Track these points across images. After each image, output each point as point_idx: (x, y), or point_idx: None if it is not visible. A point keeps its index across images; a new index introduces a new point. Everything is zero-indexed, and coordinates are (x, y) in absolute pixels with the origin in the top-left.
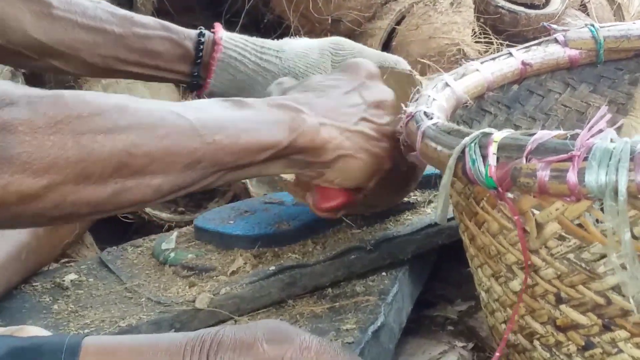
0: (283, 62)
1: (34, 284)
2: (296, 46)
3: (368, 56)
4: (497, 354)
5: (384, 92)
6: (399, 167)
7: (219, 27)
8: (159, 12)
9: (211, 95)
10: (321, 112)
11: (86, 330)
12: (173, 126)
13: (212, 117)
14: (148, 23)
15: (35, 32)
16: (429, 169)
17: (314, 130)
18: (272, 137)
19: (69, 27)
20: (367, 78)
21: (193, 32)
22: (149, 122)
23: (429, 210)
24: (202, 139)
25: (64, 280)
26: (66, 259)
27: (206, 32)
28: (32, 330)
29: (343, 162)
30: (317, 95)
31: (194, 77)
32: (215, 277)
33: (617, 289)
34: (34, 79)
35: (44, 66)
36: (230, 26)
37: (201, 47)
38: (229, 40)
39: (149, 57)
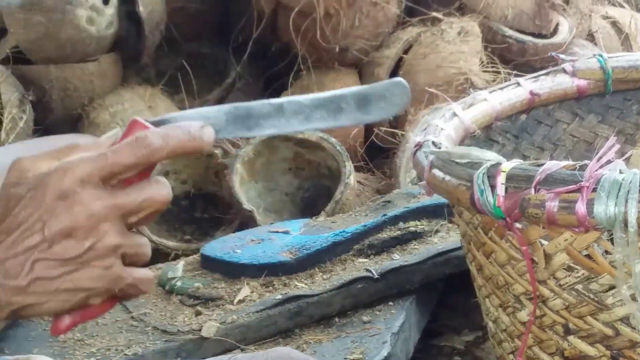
0: None
1: None
2: None
3: None
4: None
5: (74, 216)
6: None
7: None
8: (167, 40)
9: None
10: None
11: (92, 359)
12: None
13: None
14: None
15: None
16: (437, 199)
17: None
18: None
19: None
20: (56, 199)
21: None
22: None
23: (436, 239)
24: None
25: None
26: None
27: None
28: (39, 359)
29: (32, 311)
30: None
31: None
32: (221, 306)
33: (625, 320)
34: (41, 107)
35: None
36: (238, 54)
37: None
38: None
39: None
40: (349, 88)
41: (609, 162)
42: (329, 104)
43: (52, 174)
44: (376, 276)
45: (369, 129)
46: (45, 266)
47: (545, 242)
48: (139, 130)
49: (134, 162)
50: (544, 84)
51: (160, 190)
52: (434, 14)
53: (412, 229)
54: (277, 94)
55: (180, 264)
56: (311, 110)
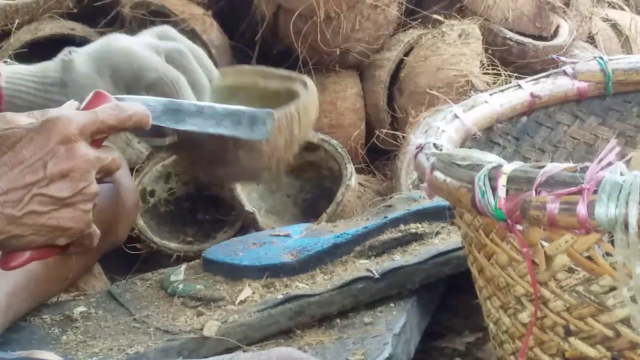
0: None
1: (43, 317)
2: (78, 74)
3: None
4: None
5: (74, 160)
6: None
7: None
8: None
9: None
10: None
11: (94, 359)
12: None
13: None
14: None
15: None
16: (437, 201)
17: None
18: None
19: None
20: (59, 143)
21: None
22: None
23: (437, 241)
24: None
25: (73, 313)
26: (75, 292)
27: None
28: (43, 355)
29: (15, 242)
30: None
31: None
32: (223, 307)
33: (626, 321)
34: None
35: None
36: (239, 57)
37: None
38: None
39: None
40: (245, 107)
41: (609, 164)
42: (233, 115)
43: (56, 121)
44: (377, 276)
45: (370, 131)
46: (40, 201)
47: (546, 244)
48: (103, 101)
49: (115, 125)
50: (545, 86)
51: (117, 155)
52: (435, 16)
53: (413, 230)
54: None
55: (183, 267)
56: (221, 118)
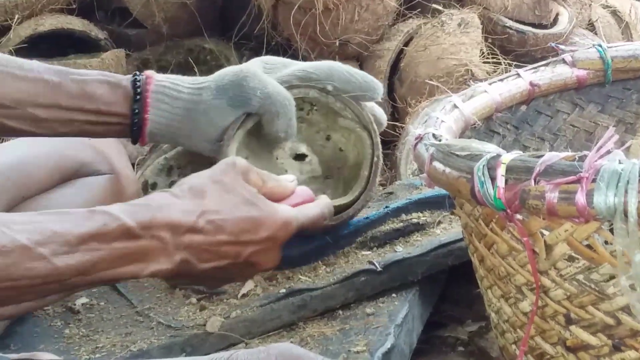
0: (217, 81)
1: (45, 308)
2: (229, 67)
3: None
4: None
5: (268, 260)
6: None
7: (150, 71)
8: (169, 36)
9: (152, 138)
10: (191, 243)
11: (97, 355)
12: (36, 275)
13: (78, 257)
14: (85, 72)
15: None
16: (439, 190)
17: (166, 272)
18: (124, 275)
19: (8, 79)
20: (272, 240)
21: (128, 75)
22: (12, 272)
23: (439, 231)
24: (60, 281)
25: (75, 304)
26: None
27: (140, 74)
28: (44, 356)
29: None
30: (216, 215)
31: (134, 115)
32: (225, 300)
33: (626, 309)
34: None
35: None
36: (239, 49)
37: (138, 83)
38: (161, 75)
39: (88, 101)
40: None
41: (608, 152)
42: None
43: (280, 218)
44: (379, 269)
45: None
46: (215, 274)
47: (546, 233)
48: (309, 198)
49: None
50: (544, 74)
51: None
52: (434, 5)
53: (415, 220)
54: None
55: None
56: None
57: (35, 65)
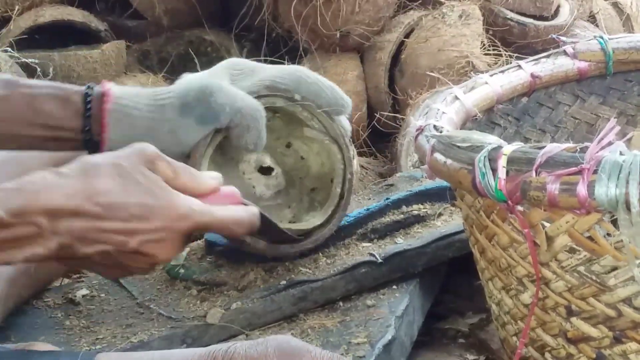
0: (181, 97)
1: (45, 300)
2: (192, 78)
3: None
4: None
5: (166, 252)
6: None
7: (108, 82)
8: (169, 27)
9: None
10: (72, 227)
11: (98, 346)
12: None
13: None
14: (34, 84)
15: None
16: (439, 182)
17: (42, 256)
18: None
19: None
20: (166, 230)
21: (81, 87)
22: None
23: (439, 223)
24: None
25: (75, 296)
26: (77, 274)
27: (95, 86)
28: (43, 347)
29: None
30: (103, 198)
31: (85, 132)
32: (226, 292)
33: (627, 301)
34: None
35: None
36: (239, 41)
37: (89, 99)
38: (118, 89)
39: (36, 116)
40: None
41: (609, 143)
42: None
43: (178, 212)
44: (380, 260)
45: (371, 113)
46: (105, 258)
47: (547, 225)
48: (232, 200)
49: (222, 231)
50: (545, 66)
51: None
52: None
53: (415, 212)
54: None
55: (185, 250)
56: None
57: None
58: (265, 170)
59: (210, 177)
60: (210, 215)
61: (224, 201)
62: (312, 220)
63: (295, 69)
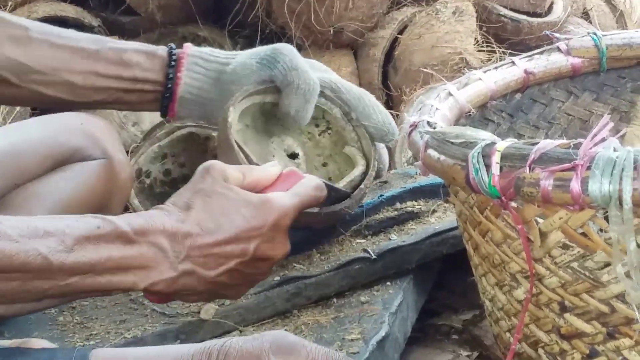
0: (253, 50)
1: None
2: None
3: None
4: None
5: (279, 248)
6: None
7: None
8: (164, 25)
9: (182, 106)
10: (191, 250)
11: (92, 342)
12: (30, 270)
13: (73, 258)
14: (121, 42)
15: (14, 54)
16: (433, 179)
17: (168, 281)
18: (123, 284)
19: (46, 46)
20: (274, 228)
21: (164, 47)
22: (6, 265)
23: (433, 219)
24: (55, 282)
25: None
26: None
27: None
28: (37, 343)
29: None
30: (208, 221)
31: (168, 80)
32: None
33: (621, 297)
34: None
35: (27, 95)
36: (233, 37)
37: (173, 51)
38: (195, 47)
39: (125, 69)
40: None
41: (603, 140)
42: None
43: (275, 207)
44: (373, 257)
45: None
46: (231, 275)
47: (540, 221)
48: (296, 178)
49: (310, 206)
50: (539, 62)
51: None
52: None
53: (409, 209)
54: None
55: None
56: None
57: (73, 34)
58: (291, 156)
59: (270, 166)
60: (298, 196)
61: (292, 181)
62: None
63: (361, 89)
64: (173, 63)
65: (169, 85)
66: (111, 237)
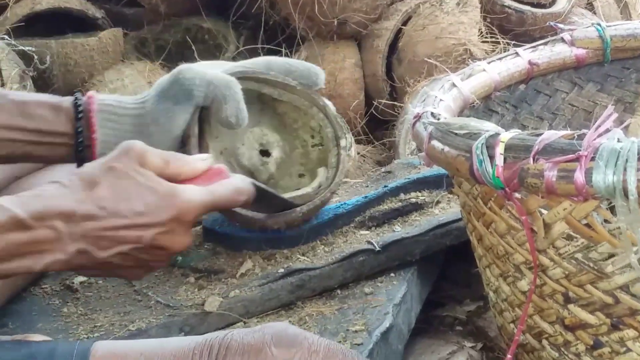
0: (156, 89)
1: (43, 286)
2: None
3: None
4: (509, 355)
5: (178, 240)
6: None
7: (90, 92)
8: (167, 15)
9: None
10: (86, 231)
11: (96, 334)
12: None
13: None
14: (23, 93)
15: None
16: (437, 170)
17: (62, 262)
18: (18, 269)
19: None
20: (173, 220)
21: (67, 97)
22: None
23: (437, 211)
24: None
25: (73, 283)
26: None
27: (80, 95)
28: (37, 338)
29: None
30: (109, 201)
31: (78, 134)
32: (224, 280)
33: (625, 288)
34: (42, 83)
35: None
36: (236, 28)
37: (78, 102)
38: (102, 95)
39: (29, 121)
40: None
41: (607, 131)
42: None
43: (180, 198)
44: (377, 248)
45: (369, 101)
46: (125, 259)
47: (544, 212)
48: (220, 174)
49: (226, 206)
50: (543, 53)
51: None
52: None
53: (413, 200)
54: None
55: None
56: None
57: None
58: (264, 153)
59: (200, 159)
60: (211, 195)
61: (216, 179)
62: (303, 188)
63: (263, 57)
64: (80, 115)
65: (81, 140)
66: (8, 226)
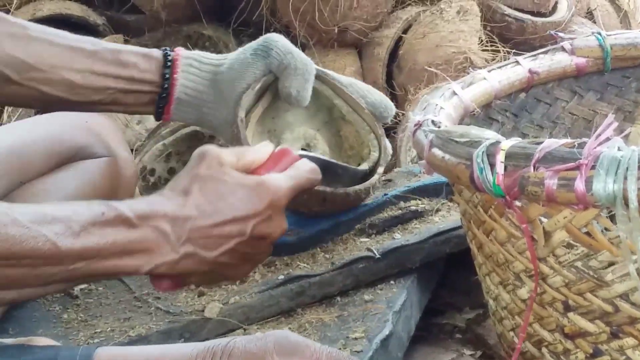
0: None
1: None
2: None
3: (299, 61)
4: None
5: (276, 227)
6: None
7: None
8: (167, 22)
9: (179, 108)
10: (192, 233)
11: (96, 340)
12: (39, 256)
13: (80, 243)
14: (116, 44)
15: (14, 51)
16: (437, 178)
17: (170, 264)
18: (127, 268)
19: (46, 45)
20: (269, 208)
21: (157, 49)
22: (17, 251)
23: (437, 218)
24: (63, 266)
25: (73, 289)
26: None
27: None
28: (41, 341)
29: (185, 275)
30: (206, 204)
31: (165, 80)
32: (224, 286)
33: (624, 296)
34: None
35: (26, 93)
36: (237, 36)
37: (168, 52)
38: (188, 52)
39: (123, 68)
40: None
41: (607, 139)
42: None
43: (271, 188)
44: (377, 256)
45: None
46: (232, 255)
47: (544, 220)
48: (288, 157)
49: (305, 188)
50: (543, 62)
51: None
52: None
53: (413, 208)
54: None
55: None
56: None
57: (70, 35)
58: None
59: (263, 146)
60: (292, 179)
61: (284, 159)
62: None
63: (347, 77)
64: (169, 64)
65: (166, 86)
66: (116, 223)
